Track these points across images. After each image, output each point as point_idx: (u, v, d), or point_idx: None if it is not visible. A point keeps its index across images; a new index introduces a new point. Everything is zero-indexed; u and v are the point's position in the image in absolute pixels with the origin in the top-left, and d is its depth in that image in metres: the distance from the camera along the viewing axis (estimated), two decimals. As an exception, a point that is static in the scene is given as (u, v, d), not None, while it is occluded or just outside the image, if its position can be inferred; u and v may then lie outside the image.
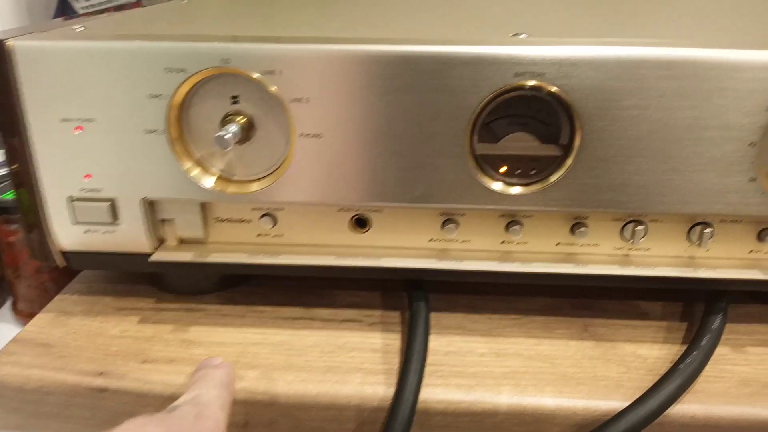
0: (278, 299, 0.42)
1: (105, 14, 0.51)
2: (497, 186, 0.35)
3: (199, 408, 0.28)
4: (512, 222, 0.38)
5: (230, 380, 0.32)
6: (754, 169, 0.34)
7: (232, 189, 0.36)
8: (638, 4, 0.51)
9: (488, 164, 0.35)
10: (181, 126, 0.35)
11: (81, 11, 0.74)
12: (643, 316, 0.41)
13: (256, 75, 0.32)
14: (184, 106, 0.34)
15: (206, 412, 0.28)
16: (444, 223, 0.38)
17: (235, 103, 0.34)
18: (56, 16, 0.75)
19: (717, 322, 0.37)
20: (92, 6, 0.77)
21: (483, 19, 0.42)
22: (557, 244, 0.39)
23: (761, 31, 0.39)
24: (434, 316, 0.41)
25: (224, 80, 0.34)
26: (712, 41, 0.33)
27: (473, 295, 0.43)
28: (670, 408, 0.33)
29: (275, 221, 0.38)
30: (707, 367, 0.36)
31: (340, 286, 0.44)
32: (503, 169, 0.35)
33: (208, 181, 0.35)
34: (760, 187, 0.34)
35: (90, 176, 0.36)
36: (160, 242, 0.39)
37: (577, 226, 0.38)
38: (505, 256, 0.39)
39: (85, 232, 0.38)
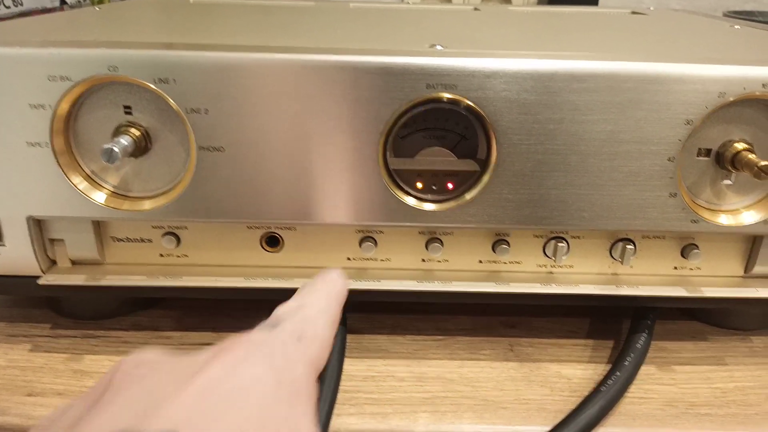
0: (188, 323, 0.40)
1: (16, 19, 0.47)
2: (413, 202, 0.33)
3: (303, 327, 0.23)
4: (432, 239, 0.36)
5: (342, 289, 0.28)
6: (675, 184, 0.33)
7: (126, 206, 0.33)
8: (561, 25, 0.51)
9: (404, 180, 0.33)
10: (68, 138, 0.32)
11: (2, 16, 0.70)
12: (570, 334, 0.40)
13: (147, 84, 0.30)
14: (71, 117, 0.31)
15: (311, 332, 0.23)
16: (362, 241, 0.36)
17: (128, 113, 0.32)
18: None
19: (641, 340, 0.36)
20: (14, 13, 0.73)
21: (402, 32, 0.41)
22: (479, 261, 0.37)
23: (677, 47, 0.39)
24: (357, 338, 0.39)
25: (115, 89, 0.31)
26: (626, 54, 0.32)
27: (398, 315, 0.41)
28: (592, 432, 0.32)
29: (178, 240, 0.36)
30: (632, 388, 0.35)
31: (257, 306, 0.41)
32: (419, 185, 0.33)
33: (99, 198, 0.32)
34: (682, 202, 0.33)
35: (-31, 193, 0.33)
36: (52, 264, 0.36)
37: (498, 243, 0.36)
38: (427, 275, 0.37)
39: (-31, 253, 0.34)
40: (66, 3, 0.82)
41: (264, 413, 0.18)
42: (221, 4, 0.60)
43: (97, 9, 0.53)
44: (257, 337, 0.21)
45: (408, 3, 0.74)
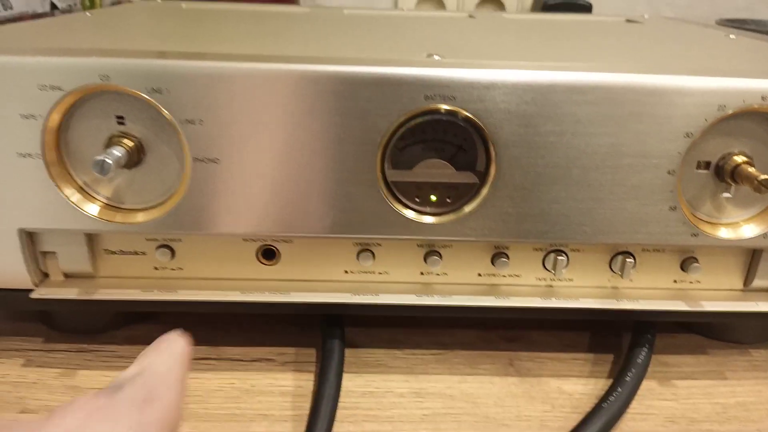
0: (182, 337, 0.39)
1: (6, 25, 0.46)
2: (411, 215, 0.33)
3: (148, 389, 0.22)
4: (431, 252, 0.36)
5: (186, 352, 0.27)
6: (675, 198, 0.32)
7: (119, 218, 0.32)
8: (557, 34, 0.51)
9: (402, 192, 0.32)
10: (59, 149, 0.31)
11: (-10, 21, 0.69)
12: (570, 348, 0.39)
13: (140, 93, 0.29)
14: (63, 127, 0.31)
15: (155, 393, 0.22)
16: (359, 254, 0.36)
17: (120, 123, 0.31)
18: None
19: (642, 355, 0.36)
20: (4, 18, 0.72)
21: (399, 42, 0.40)
22: (478, 275, 0.37)
23: (676, 58, 0.39)
24: (353, 352, 0.38)
25: (107, 99, 0.30)
26: (627, 66, 0.32)
27: (395, 328, 0.41)
28: (594, 449, 0.31)
29: (173, 253, 0.35)
30: (634, 404, 0.34)
31: (252, 320, 0.41)
32: (417, 197, 0.33)
33: (92, 210, 0.32)
34: (682, 215, 0.33)
35: (-42, 205, 0.32)
36: (44, 277, 0.35)
37: (497, 256, 0.36)
38: (425, 289, 0.36)
39: (-43, 266, 0.34)
40: (57, 8, 0.81)
41: None
42: (214, 10, 0.59)
43: (89, 15, 0.52)
44: (98, 401, 0.20)
45: (402, 9, 0.74)
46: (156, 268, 0.36)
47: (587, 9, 0.98)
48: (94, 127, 0.31)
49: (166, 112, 0.30)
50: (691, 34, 0.53)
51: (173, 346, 0.26)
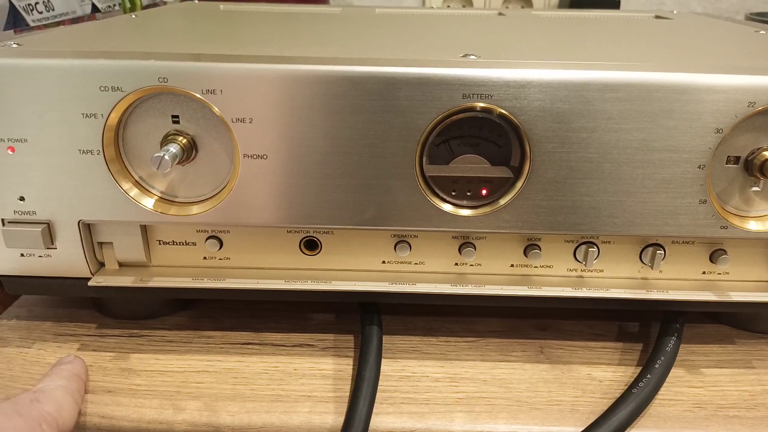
0: (227, 323, 0.41)
1: (59, 27, 0.49)
2: (448, 208, 0.34)
3: (37, 395, 0.29)
4: (465, 244, 0.37)
5: (79, 371, 0.34)
6: (705, 191, 0.33)
7: (173, 211, 0.34)
8: (588, 31, 0.52)
9: (439, 186, 0.34)
10: (118, 146, 0.33)
11: (33, 24, 0.72)
12: (599, 337, 0.41)
13: (195, 94, 0.31)
14: (121, 126, 0.33)
15: (44, 398, 0.29)
16: (396, 245, 0.37)
17: (175, 122, 0.33)
18: (7, 28, 0.73)
19: (671, 343, 0.37)
20: (46, 19, 0.75)
21: (434, 41, 0.41)
22: (511, 265, 0.38)
23: (706, 56, 0.39)
24: (390, 339, 0.40)
25: (163, 99, 0.32)
26: (658, 64, 0.33)
27: (430, 317, 0.42)
28: (624, 433, 0.33)
29: (221, 244, 0.37)
30: (662, 390, 0.36)
31: (293, 307, 0.43)
32: (454, 191, 0.34)
33: (148, 203, 0.34)
34: (711, 209, 0.34)
35: (23, 199, 0.34)
36: (100, 266, 0.37)
37: (530, 247, 0.37)
38: (460, 279, 0.38)
39: (21, 255, 0.36)
40: (98, 9, 0.84)
41: None
42: (250, 11, 0.61)
43: (133, 17, 0.54)
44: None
45: (432, 7, 0.75)
46: (205, 258, 0.38)
47: (615, 4, 0.98)
48: (151, 126, 0.33)
49: (219, 111, 0.32)
50: (720, 30, 0.53)
51: (66, 367, 0.34)
